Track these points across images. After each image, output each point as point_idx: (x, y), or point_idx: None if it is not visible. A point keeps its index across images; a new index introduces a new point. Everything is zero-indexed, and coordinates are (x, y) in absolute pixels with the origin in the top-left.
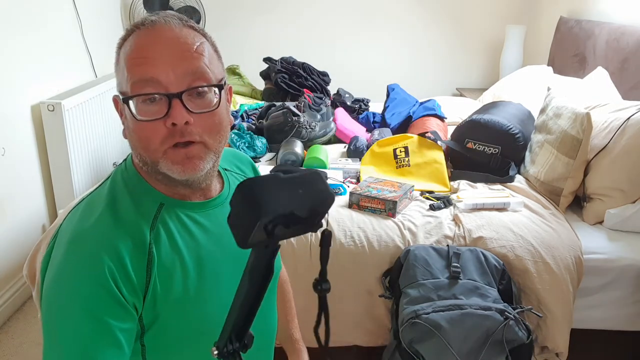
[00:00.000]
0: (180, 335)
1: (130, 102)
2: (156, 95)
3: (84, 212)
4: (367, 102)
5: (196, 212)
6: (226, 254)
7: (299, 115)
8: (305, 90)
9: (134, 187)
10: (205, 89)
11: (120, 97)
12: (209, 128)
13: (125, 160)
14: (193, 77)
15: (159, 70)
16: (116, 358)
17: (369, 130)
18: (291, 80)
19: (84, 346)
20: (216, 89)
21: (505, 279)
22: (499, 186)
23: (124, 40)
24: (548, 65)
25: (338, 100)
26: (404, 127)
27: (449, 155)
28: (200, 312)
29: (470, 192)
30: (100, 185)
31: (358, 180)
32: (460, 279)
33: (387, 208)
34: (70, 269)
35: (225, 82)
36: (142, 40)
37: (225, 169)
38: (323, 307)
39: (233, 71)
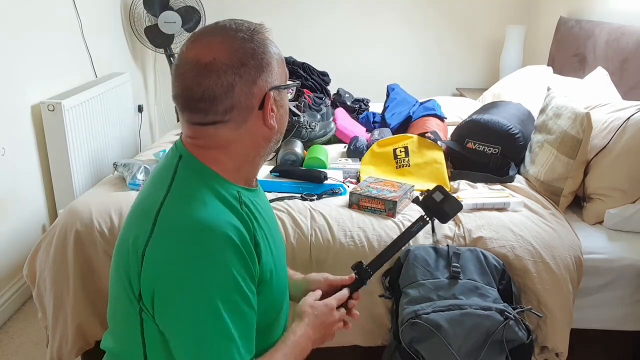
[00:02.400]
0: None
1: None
2: None
3: (186, 201)
4: (367, 102)
5: (256, 197)
6: (273, 235)
7: (299, 115)
8: (305, 90)
9: (213, 179)
10: None
11: (277, 88)
12: None
13: (179, 158)
14: None
15: None
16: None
17: (369, 130)
18: (291, 80)
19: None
20: None
21: (505, 279)
22: (499, 186)
23: (261, 38)
24: (548, 65)
25: (338, 100)
26: (404, 127)
27: (449, 155)
28: (272, 288)
29: (470, 192)
30: (170, 187)
31: (358, 180)
32: (460, 279)
33: (387, 208)
34: (208, 254)
35: None
36: (276, 47)
37: None
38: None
39: None
